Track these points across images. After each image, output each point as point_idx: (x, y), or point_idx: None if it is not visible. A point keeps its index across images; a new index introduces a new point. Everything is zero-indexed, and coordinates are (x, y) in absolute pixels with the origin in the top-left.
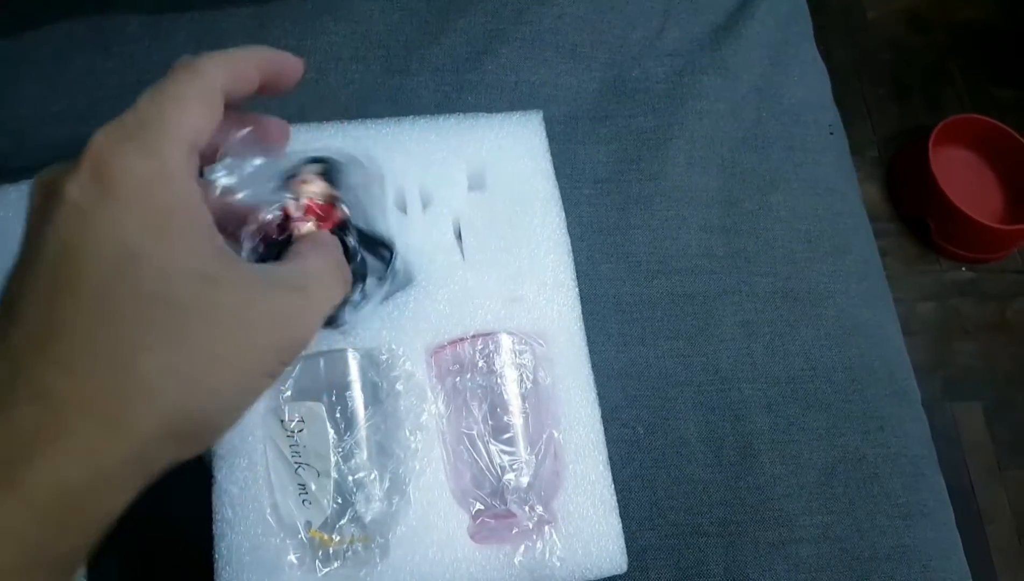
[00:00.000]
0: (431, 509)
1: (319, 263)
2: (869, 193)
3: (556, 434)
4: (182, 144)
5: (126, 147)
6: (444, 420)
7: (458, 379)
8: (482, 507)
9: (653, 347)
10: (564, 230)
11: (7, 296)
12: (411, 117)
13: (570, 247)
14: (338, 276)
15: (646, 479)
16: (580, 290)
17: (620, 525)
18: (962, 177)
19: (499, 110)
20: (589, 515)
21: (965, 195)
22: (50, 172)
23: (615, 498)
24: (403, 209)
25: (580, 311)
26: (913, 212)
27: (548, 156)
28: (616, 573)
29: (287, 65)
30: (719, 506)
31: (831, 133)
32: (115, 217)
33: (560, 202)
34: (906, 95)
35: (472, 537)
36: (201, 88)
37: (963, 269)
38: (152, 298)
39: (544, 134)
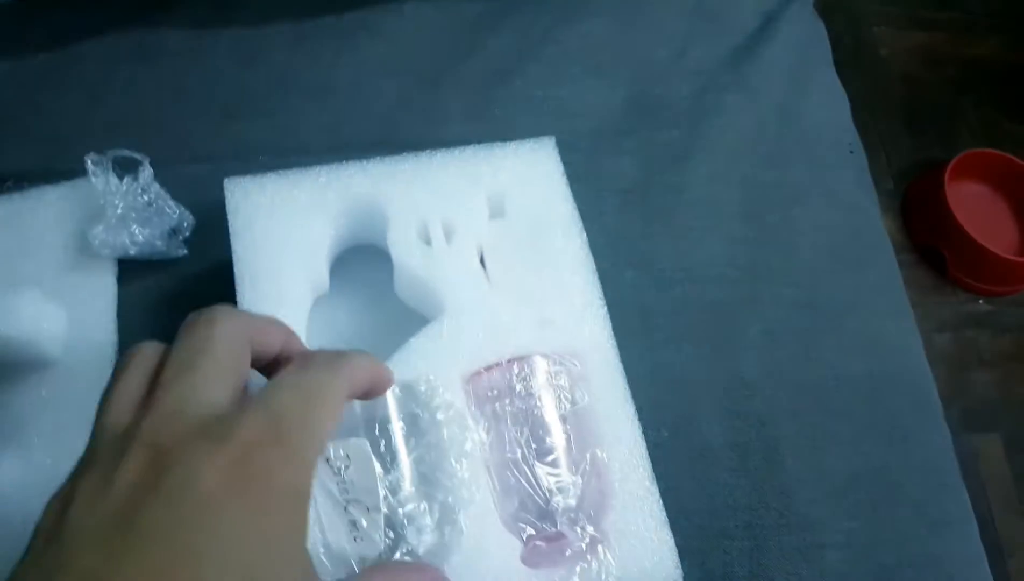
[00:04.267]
0: (483, 537)
1: None
2: (884, 224)
3: (600, 453)
4: (318, 451)
5: (274, 453)
6: (487, 447)
7: (497, 405)
8: (533, 531)
9: (678, 352)
10: (587, 251)
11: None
12: (428, 151)
13: (595, 267)
14: None
15: (671, 482)
16: (604, 296)
17: (672, 539)
18: (977, 210)
19: (526, 124)
20: (641, 532)
21: (981, 228)
22: (154, 424)
23: (664, 512)
24: (427, 241)
25: (611, 330)
26: (928, 243)
27: (564, 180)
28: None
29: (383, 379)
30: (744, 510)
31: (851, 152)
32: (244, 528)
33: (580, 224)
34: (920, 129)
35: (525, 562)
36: (341, 389)
37: (980, 302)
38: None
39: (558, 159)
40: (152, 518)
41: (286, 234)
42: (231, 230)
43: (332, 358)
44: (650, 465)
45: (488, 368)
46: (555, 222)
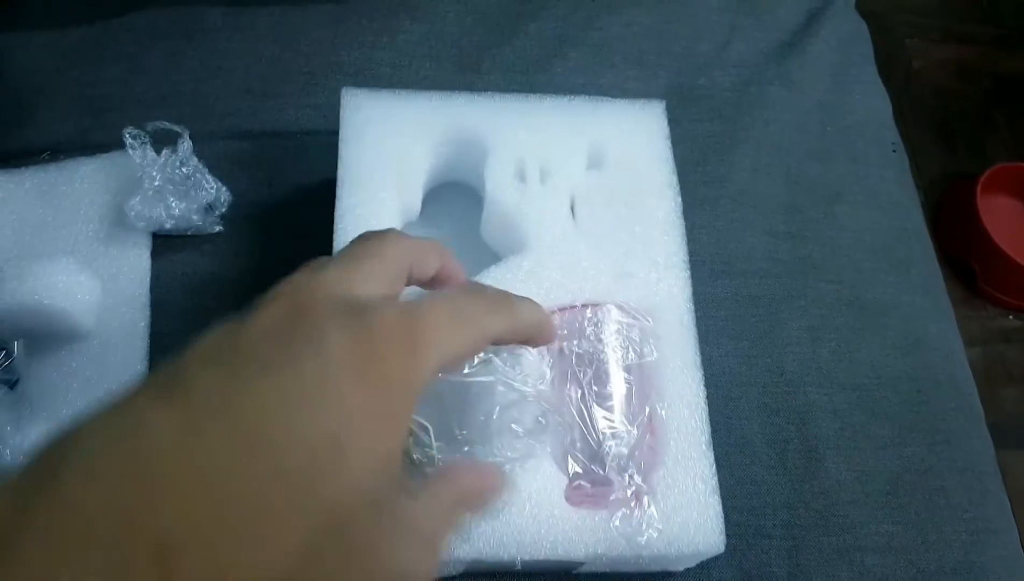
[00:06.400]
0: (528, 465)
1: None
2: None
3: (660, 410)
4: (444, 364)
5: (400, 348)
6: (549, 383)
7: (565, 344)
8: (580, 470)
9: (717, 346)
10: (680, 214)
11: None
12: (539, 95)
13: (684, 231)
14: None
15: None
16: None
17: (720, 505)
18: (1009, 224)
19: None
20: (688, 492)
21: (1012, 242)
22: (302, 284)
23: (716, 478)
24: (523, 179)
25: (691, 293)
26: (958, 256)
27: (668, 144)
28: (713, 554)
29: (546, 334)
30: (783, 509)
31: (894, 151)
32: (353, 405)
33: (677, 188)
34: (951, 142)
35: (567, 500)
36: (493, 326)
37: (1011, 317)
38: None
39: (666, 123)
40: (272, 356)
41: (390, 151)
42: (341, 136)
43: (499, 297)
44: (709, 430)
45: (562, 309)
46: (652, 182)
